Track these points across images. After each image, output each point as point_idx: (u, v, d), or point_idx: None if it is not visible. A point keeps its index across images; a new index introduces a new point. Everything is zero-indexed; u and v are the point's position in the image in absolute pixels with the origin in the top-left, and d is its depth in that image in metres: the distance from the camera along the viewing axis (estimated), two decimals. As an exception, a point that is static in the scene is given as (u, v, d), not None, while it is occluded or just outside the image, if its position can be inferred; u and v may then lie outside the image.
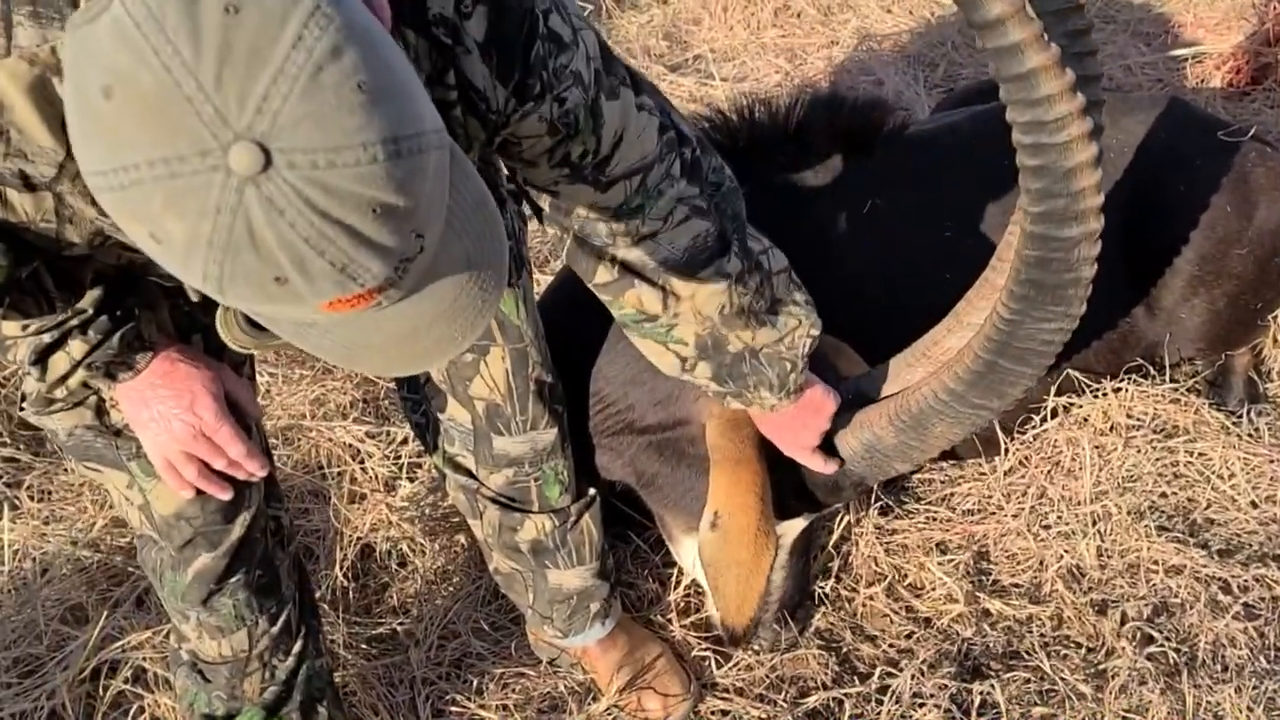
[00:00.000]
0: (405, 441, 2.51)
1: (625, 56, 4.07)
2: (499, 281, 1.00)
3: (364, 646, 2.19)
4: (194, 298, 1.41)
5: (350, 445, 2.49)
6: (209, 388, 1.42)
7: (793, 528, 2.03)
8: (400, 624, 2.23)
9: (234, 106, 0.77)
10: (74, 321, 1.32)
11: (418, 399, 1.91)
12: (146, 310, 1.40)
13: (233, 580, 1.66)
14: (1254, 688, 1.87)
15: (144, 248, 0.84)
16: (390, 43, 0.87)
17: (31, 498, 2.43)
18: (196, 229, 0.79)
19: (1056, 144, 1.40)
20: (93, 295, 1.33)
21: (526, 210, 1.86)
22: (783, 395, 1.76)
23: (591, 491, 2.00)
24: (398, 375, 1.74)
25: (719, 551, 1.84)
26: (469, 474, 1.93)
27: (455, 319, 0.97)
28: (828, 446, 1.88)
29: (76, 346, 1.34)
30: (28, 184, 1.10)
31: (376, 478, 2.45)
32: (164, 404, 1.41)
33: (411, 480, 2.46)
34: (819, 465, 1.87)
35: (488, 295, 0.98)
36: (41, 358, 1.35)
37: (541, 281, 2.81)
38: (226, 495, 1.54)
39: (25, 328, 1.32)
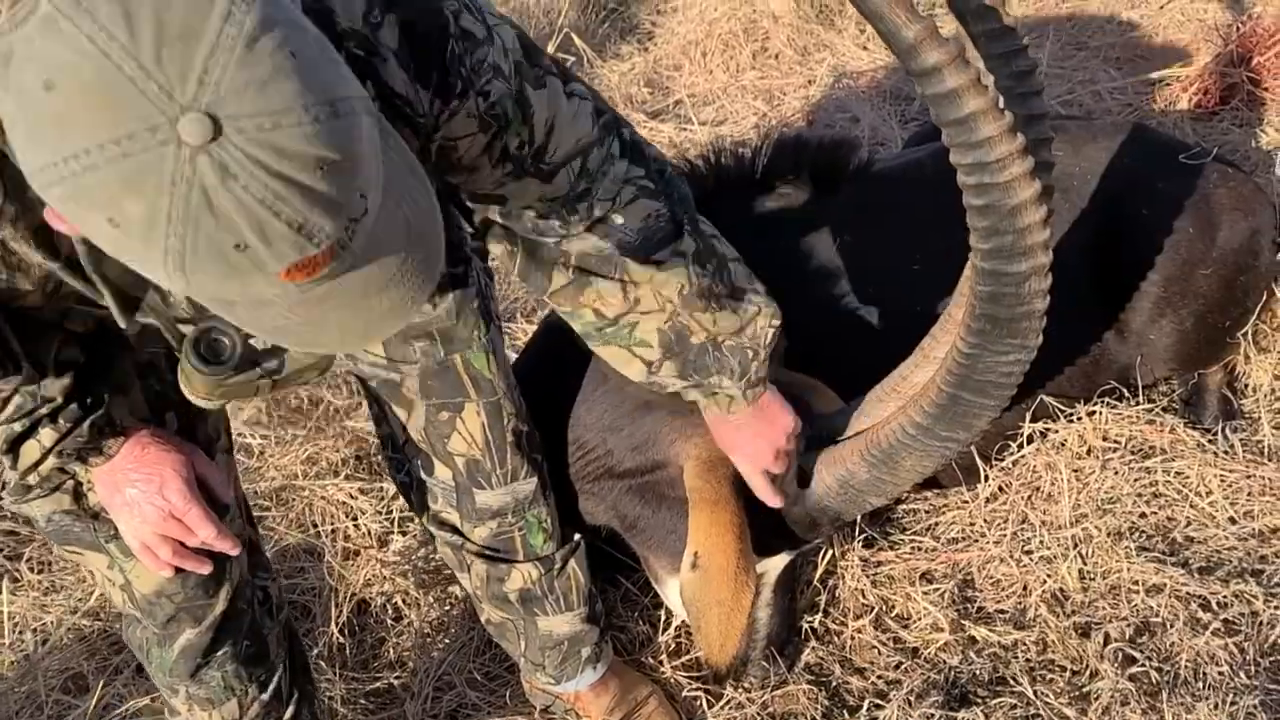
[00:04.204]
0: (396, 497, 2.55)
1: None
2: (439, 248, 1.05)
3: (361, 701, 2.22)
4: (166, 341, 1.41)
5: (343, 503, 2.53)
6: (179, 471, 1.45)
7: (775, 565, 2.06)
8: (396, 678, 2.26)
9: (177, 81, 0.81)
10: (44, 410, 1.36)
11: (400, 459, 1.95)
12: (118, 395, 1.44)
13: (220, 653, 1.69)
14: (1231, 703, 1.89)
15: (101, 240, 0.87)
16: (310, 24, 0.92)
17: (31, 569, 2.48)
18: (155, 205, 0.83)
19: (999, 183, 1.44)
20: (62, 384, 1.37)
21: (493, 262, 1.89)
22: (744, 385, 1.78)
23: (576, 536, 2.04)
24: (354, 349, 1.72)
25: (700, 591, 1.88)
26: (454, 530, 1.96)
27: (403, 283, 1.00)
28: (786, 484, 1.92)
29: (47, 435, 1.37)
30: None
31: (369, 534, 2.50)
32: (135, 487, 1.44)
33: (404, 535, 2.51)
34: (767, 494, 1.90)
35: (430, 260, 1.03)
36: (13, 446, 1.38)
37: (526, 330, 2.87)
38: (205, 569, 1.56)
39: None
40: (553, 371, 2.12)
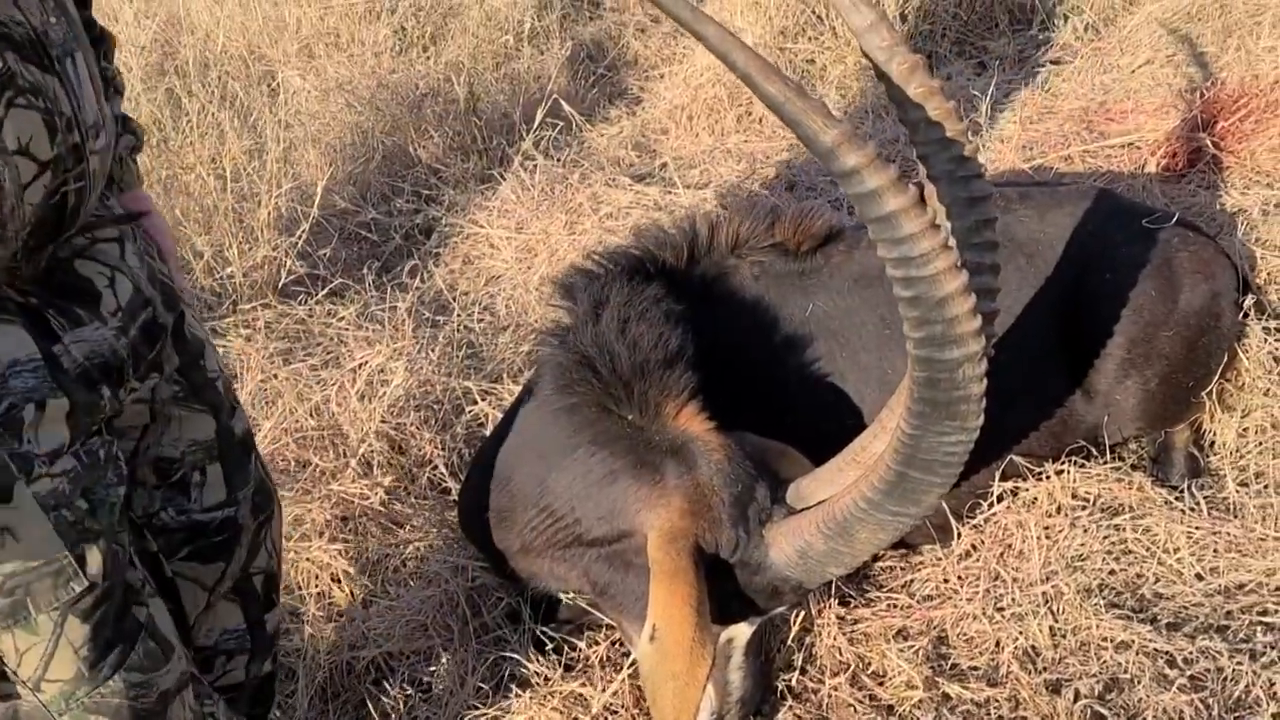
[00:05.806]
0: (380, 560, 2.60)
1: (594, 167, 4.24)
2: None
3: (344, 763, 2.25)
4: None
5: (327, 564, 2.57)
6: None
7: (742, 631, 2.09)
8: (379, 738, 2.29)
9: None
10: None
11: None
12: None
13: None
14: (1195, 760, 1.92)
15: None
16: None
17: None
18: None
19: (925, 276, 1.48)
20: None
21: None
22: None
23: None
24: None
25: (656, 664, 1.88)
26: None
27: None
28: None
29: None
30: None
31: (353, 595, 2.53)
32: None
33: (387, 596, 2.54)
34: None
35: None
36: None
37: (511, 390, 2.93)
38: None
39: None
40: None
